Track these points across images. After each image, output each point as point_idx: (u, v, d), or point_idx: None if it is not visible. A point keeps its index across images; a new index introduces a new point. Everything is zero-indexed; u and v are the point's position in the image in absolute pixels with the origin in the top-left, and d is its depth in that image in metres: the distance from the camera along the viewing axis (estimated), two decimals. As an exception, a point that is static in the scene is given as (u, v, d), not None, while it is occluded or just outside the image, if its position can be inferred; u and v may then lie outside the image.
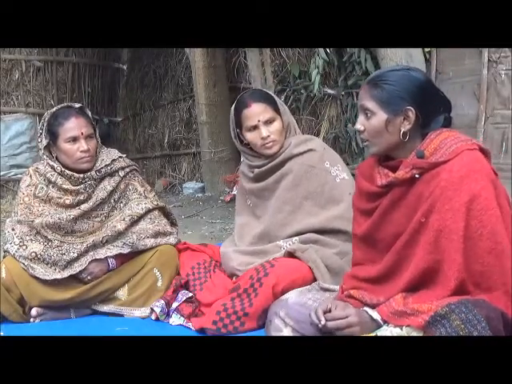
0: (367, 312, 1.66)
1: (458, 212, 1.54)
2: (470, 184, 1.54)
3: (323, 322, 1.65)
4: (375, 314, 1.65)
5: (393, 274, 1.69)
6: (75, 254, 2.38)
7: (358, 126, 1.69)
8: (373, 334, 1.59)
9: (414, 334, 1.52)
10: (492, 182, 1.56)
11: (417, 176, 1.62)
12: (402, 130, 1.63)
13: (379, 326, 1.63)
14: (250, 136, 2.38)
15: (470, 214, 1.53)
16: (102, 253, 2.40)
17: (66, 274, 2.36)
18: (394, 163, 1.69)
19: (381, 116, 1.64)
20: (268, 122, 2.35)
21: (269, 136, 2.34)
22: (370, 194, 1.75)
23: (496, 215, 1.53)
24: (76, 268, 2.38)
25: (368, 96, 1.66)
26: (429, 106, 1.64)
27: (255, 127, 2.35)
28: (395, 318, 1.58)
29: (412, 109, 1.61)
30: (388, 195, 1.69)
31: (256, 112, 2.35)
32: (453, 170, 1.56)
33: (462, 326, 1.40)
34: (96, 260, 2.39)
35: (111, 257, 2.40)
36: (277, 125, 2.37)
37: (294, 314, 1.76)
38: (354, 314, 1.66)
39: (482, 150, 1.63)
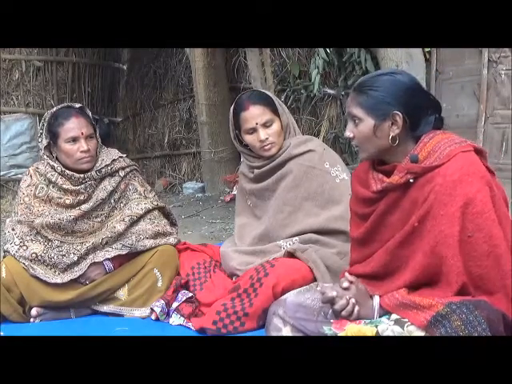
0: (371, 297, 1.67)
1: (452, 217, 1.53)
2: (465, 188, 1.53)
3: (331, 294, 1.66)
4: (376, 301, 1.65)
5: (389, 273, 1.69)
6: (75, 258, 2.38)
7: (348, 133, 1.70)
8: (373, 329, 1.59)
9: (416, 333, 1.52)
10: (487, 183, 1.55)
11: (411, 181, 1.61)
12: (391, 135, 1.63)
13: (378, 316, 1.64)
14: (248, 138, 2.38)
15: (465, 217, 1.52)
16: (100, 255, 2.40)
17: (66, 278, 2.36)
18: (388, 167, 1.69)
19: (368, 122, 1.64)
20: (266, 125, 2.35)
21: (267, 139, 2.34)
22: (366, 200, 1.75)
23: (492, 218, 1.52)
24: (76, 272, 2.38)
25: (354, 103, 1.67)
26: (416, 108, 1.63)
27: (253, 130, 2.35)
28: (398, 309, 1.58)
29: (399, 113, 1.60)
30: (383, 200, 1.69)
31: (254, 115, 2.34)
32: (447, 173, 1.55)
33: (463, 326, 1.40)
34: (94, 264, 2.39)
35: (108, 259, 2.40)
36: (275, 127, 2.37)
37: (293, 312, 1.76)
38: (353, 290, 1.66)
39: (477, 151, 1.62)
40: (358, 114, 1.65)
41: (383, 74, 1.68)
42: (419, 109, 1.64)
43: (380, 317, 1.64)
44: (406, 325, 1.55)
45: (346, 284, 1.68)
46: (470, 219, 1.52)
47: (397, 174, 1.63)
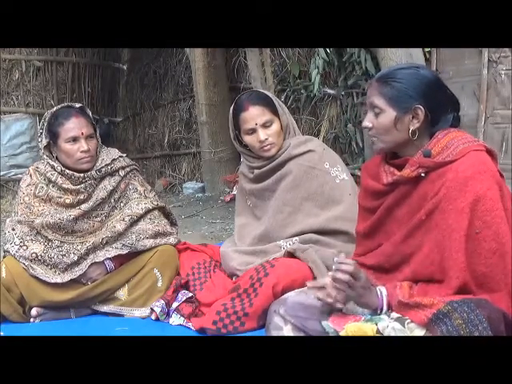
0: (380, 291, 1.64)
1: (461, 212, 1.54)
2: (476, 185, 1.54)
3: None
4: (383, 292, 1.62)
5: (393, 267, 1.69)
6: (75, 257, 2.38)
7: (367, 123, 1.69)
8: (374, 326, 1.59)
9: (417, 330, 1.52)
10: (497, 183, 1.56)
11: (422, 175, 1.62)
12: (411, 128, 1.63)
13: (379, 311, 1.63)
14: (248, 139, 2.38)
15: (474, 214, 1.53)
16: (101, 255, 2.40)
17: (66, 278, 2.36)
18: (399, 161, 1.69)
19: (390, 114, 1.64)
20: (266, 125, 2.35)
21: (267, 139, 2.34)
22: (375, 192, 1.76)
23: (501, 216, 1.53)
24: (76, 272, 2.38)
25: (377, 93, 1.66)
26: (438, 104, 1.64)
27: (253, 130, 2.35)
28: (399, 309, 1.58)
29: (421, 107, 1.61)
30: (393, 193, 1.69)
31: (253, 115, 2.34)
32: (459, 170, 1.56)
33: (464, 325, 1.41)
34: (95, 264, 2.39)
35: (109, 259, 2.40)
36: (275, 127, 2.37)
37: (294, 311, 1.76)
38: (364, 278, 1.62)
39: (489, 152, 1.63)
40: (379, 105, 1.65)
41: (407, 68, 1.68)
42: (440, 105, 1.65)
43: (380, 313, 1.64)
44: (406, 322, 1.54)
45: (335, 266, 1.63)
46: (478, 216, 1.53)
47: (408, 167, 1.64)
